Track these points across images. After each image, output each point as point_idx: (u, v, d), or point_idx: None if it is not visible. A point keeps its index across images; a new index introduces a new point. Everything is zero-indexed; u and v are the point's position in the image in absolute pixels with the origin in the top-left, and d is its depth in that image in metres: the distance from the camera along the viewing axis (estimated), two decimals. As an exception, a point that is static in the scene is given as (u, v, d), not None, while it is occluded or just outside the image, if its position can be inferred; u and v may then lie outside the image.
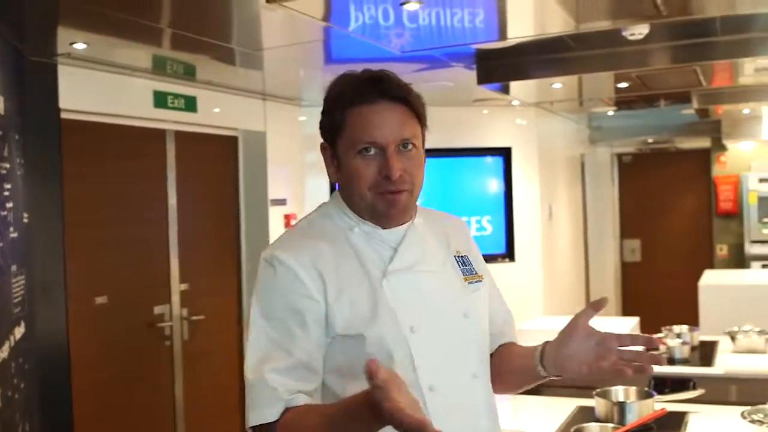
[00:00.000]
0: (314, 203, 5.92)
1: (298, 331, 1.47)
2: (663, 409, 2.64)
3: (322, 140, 1.64)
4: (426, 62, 4.26)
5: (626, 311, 9.35)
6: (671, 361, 3.89)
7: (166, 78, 4.52)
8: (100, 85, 4.18)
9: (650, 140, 9.08)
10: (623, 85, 5.00)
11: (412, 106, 1.57)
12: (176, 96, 4.64)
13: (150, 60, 4.19)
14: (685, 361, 3.91)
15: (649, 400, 2.69)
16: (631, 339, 1.52)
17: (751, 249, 8.31)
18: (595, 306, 1.55)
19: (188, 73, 4.54)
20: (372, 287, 1.52)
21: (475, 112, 6.38)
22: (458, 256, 1.68)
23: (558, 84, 4.70)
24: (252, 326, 1.51)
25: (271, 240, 5.31)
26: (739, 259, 8.56)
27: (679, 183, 9.40)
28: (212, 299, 5.14)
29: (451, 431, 1.35)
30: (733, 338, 4.11)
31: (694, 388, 3.73)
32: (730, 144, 8.57)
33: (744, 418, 2.36)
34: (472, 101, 5.84)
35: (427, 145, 6.08)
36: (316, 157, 5.96)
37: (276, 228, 5.48)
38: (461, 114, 6.32)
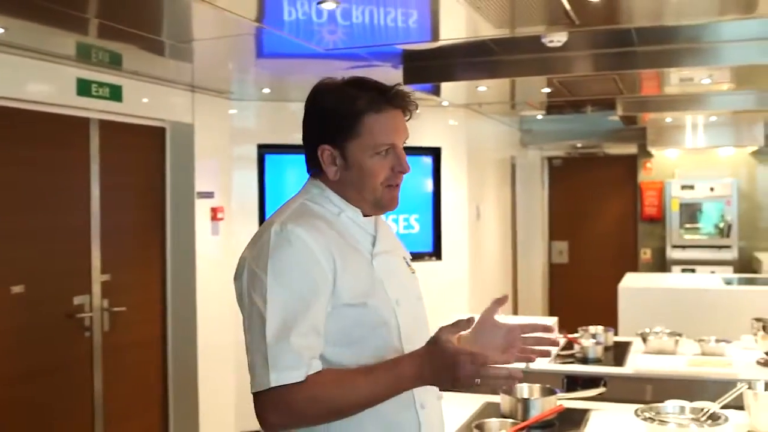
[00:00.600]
0: (242, 196, 5.90)
1: (313, 300, 1.61)
2: (561, 405, 2.72)
3: (320, 145, 1.74)
4: (354, 60, 4.29)
5: (553, 311, 9.55)
6: (585, 361, 3.98)
7: (90, 66, 4.46)
8: (19, 70, 4.10)
9: (579, 145, 9.29)
10: (547, 90, 5.11)
11: (409, 113, 1.81)
12: (101, 84, 4.58)
13: (74, 47, 4.13)
14: (597, 361, 4.00)
15: (552, 397, 2.76)
16: (531, 327, 1.76)
17: (672, 253, 8.56)
18: (498, 302, 1.79)
19: (114, 62, 4.48)
20: (365, 264, 1.72)
21: (405, 111, 6.43)
22: (405, 258, 1.90)
23: (483, 87, 4.78)
24: (269, 294, 1.60)
25: (198, 233, 5.35)
26: (662, 263, 8.81)
27: (606, 187, 9.63)
28: (135, 291, 5.09)
29: (426, 394, 1.71)
30: (644, 339, 4.23)
31: (605, 386, 3.86)
32: (655, 151, 8.82)
33: (637, 416, 2.45)
34: (403, 100, 5.89)
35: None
36: (245, 151, 5.97)
37: (202, 221, 5.45)
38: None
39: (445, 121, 6.63)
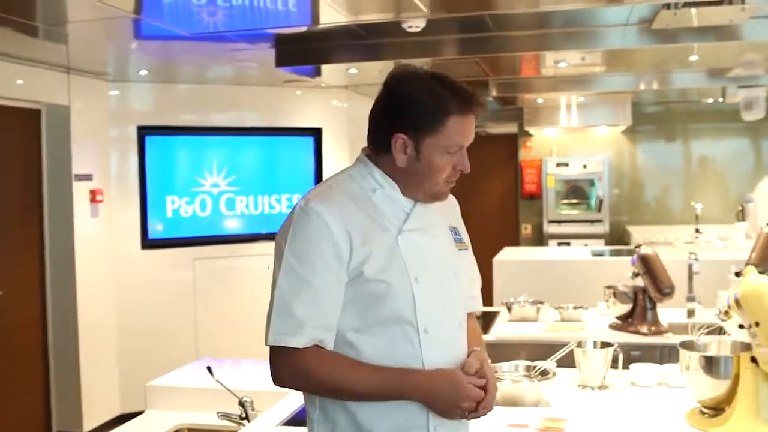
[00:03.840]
0: (122, 178, 5.85)
1: (324, 274, 1.71)
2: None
3: (396, 132, 1.77)
4: (228, 42, 4.36)
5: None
6: (490, 328, 4.22)
7: (-42, 47, 4.40)
8: None
9: (462, 124, 9.57)
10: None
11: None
12: (-31, 66, 4.52)
13: (-61, 28, 4.07)
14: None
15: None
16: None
17: (549, 228, 8.97)
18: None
19: (-15, 45, 4.43)
20: (389, 241, 1.78)
21: (288, 93, 6.55)
22: (451, 227, 1.95)
23: (354, 69, 4.93)
24: (283, 263, 1.73)
25: (76, 216, 5.33)
26: (541, 238, 9.22)
27: (490, 165, 9.96)
28: (13, 274, 5.05)
29: (437, 365, 1.75)
30: (509, 309, 4.49)
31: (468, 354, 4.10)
32: (532, 130, 9.19)
33: (476, 373, 2.67)
34: (282, 82, 5.99)
35: (246, 124, 6.23)
36: (124, 132, 5.92)
37: (81, 203, 5.43)
38: (275, 94, 6.47)
39: (327, 102, 6.75)
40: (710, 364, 2.31)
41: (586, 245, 8.03)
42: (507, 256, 6.68)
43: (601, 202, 8.77)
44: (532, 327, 4.21)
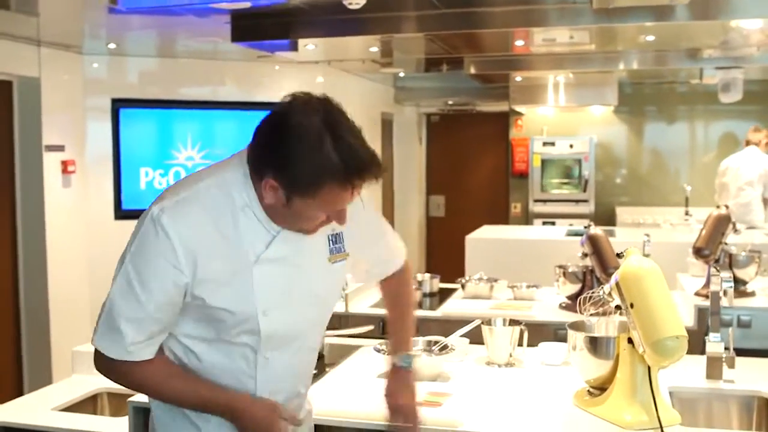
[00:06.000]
0: (97, 150, 5.92)
1: (156, 289, 1.63)
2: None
3: (267, 176, 1.61)
4: (187, 15, 4.38)
5: (429, 261, 9.96)
6: (404, 306, 4.26)
7: None
8: None
9: (450, 102, 9.57)
10: (374, 49, 5.31)
11: None
12: (-64, 38, 4.59)
13: None
14: (416, 306, 4.28)
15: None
16: None
17: (534, 207, 8.97)
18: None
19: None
20: (242, 268, 1.68)
21: (265, 67, 6.58)
22: (332, 235, 1.83)
23: (311, 45, 4.95)
24: (124, 268, 1.66)
25: (47, 186, 5.42)
26: (528, 217, 9.23)
27: (481, 144, 9.97)
28: (-17, 243, 5.16)
29: (273, 392, 1.78)
30: (463, 286, 4.54)
31: (417, 331, 4.15)
32: (520, 109, 9.18)
33: (377, 350, 2.73)
34: (257, 56, 6.03)
35: (221, 98, 6.25)
36: (98, 104, 5.98)
37: (52, 174, 5.52)
38: (251, 68, 6.51)
39: (304, 77, 6.78)
40: (594, 345, 2.35)
41: (571, 225, 8.03)
42: (481, 234, 6.72)
43: (586, 182, 8.76)
44: (480, 304, 4.25)
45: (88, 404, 2.94)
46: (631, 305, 2.21)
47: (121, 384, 1.79)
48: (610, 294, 2.34)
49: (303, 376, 1.88)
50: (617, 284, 2.28)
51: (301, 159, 1.56)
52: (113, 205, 6.05)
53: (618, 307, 2.29)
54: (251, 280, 1.68)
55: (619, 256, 2.35)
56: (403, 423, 2.02)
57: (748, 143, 7.28)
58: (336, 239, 1.85)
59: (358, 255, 1.95)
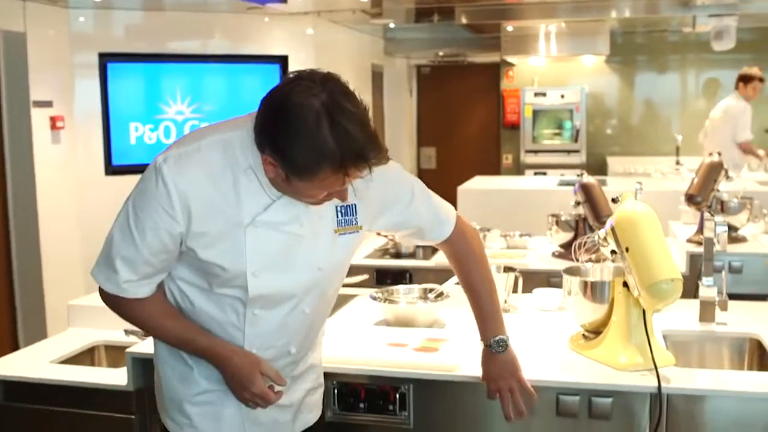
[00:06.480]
0: (86, 105, 5.88)
1: (150, 235, 1.67)
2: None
3: (266, 152, 1.60)
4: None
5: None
6: (398, 256, 4.28)
7: None
8: None
9: (441, 53, 9.50)
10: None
11: None
12: None
13: None
14: (410, 255, 4.29)
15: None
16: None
17: (526, 158, 8.98)
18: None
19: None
20: (235, 229, 1.68)
21: (254, 20, 6.51)
22: (342, 206, 1.79)
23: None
24: (126, 208, 1.70)
25: (36, 142, 5.37)
26: (519, 168, 9.24)
27: (472, 95, 9.93)
28: (-28, 201, 5.13)
29: (261, 348, 1.80)
30: (456, 236, 4.54)
31: (411, 280, 4.17)
32: (512, 59, 9.12)
33: (373, 299, 2.75)
34: (246, 8, 5.96)
35: (210, 51, 6.20)
36: (86, 59, 5.91)
37: (40, 129, 5.47)
38: (241, 20, 6.43)
39: (294, 29, 6.70)
40: (589, 289, 2.37)
41: (562, 175, 8.04)
42: (473, 185, 6.72)
43: (577, 132, 8.75)
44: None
45: (86, 356, 2.95)
46: (627, 249, 2.22)
47: (118, 314, 1.85)
48: (605, 239, 2.35)
49: (295, 337, 1.86)
50: (612, 229, 2.29)
51: (296, 142, 1.53)
52: (103, 160, 6.01)
53: (613, 252, 2.30)
54: (244, 240, 1.68)
55: (614, 201, 2.36)
56: (513, 404, 2.04)
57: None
58: (346, 211, 1.81)
59: (389, 223, 1.94)
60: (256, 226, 1.69)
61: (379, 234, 3.12)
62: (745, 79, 7.05)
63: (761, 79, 7.09)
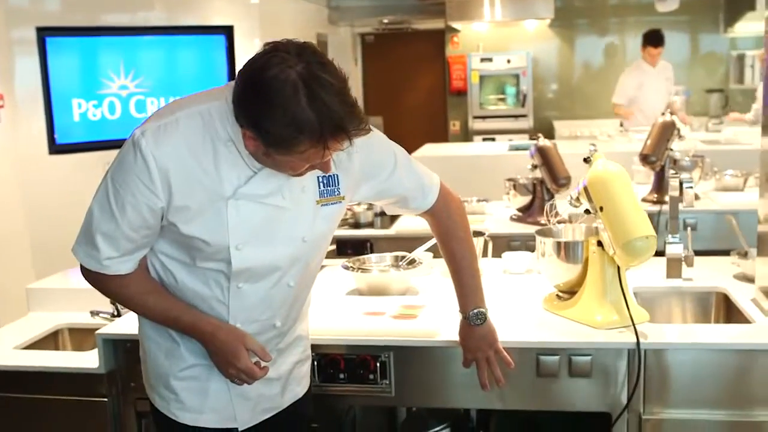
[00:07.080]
0: (26, 82, 5.66)
1: (130, 210, 1.63)
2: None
3: (245, 126, 1.55)
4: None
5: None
6: (357, 226, 4.25)
7: None
8: None
9: (385, 21, 9.43)
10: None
11: None
12: None
13: None
14: (369, 225, 4.28)
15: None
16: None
17: (474, 124, 9.01)
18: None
19: None
20: (217, 202, 1.65)
21: (198, -10, 6.37)
22: (323, 177, 1.76)
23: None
24: (105, 183, 1.67)
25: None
26: (467, 134, 9.26)
27: (417, 62, 9.90)
28: None
29: (245, 322, 1.78)
30: (414, 204, 4.53)
31: (371, 249, 4.15)
32: (458, 25, 9.10)
33: (345, 268, 2.73)
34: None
35: (152, 23, 6.02)
36: (22, 34, 5.69)
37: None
38: (183, -9, 6.29)
39: (238, 1, 6.57)
40: (563, 249, 2.39)
41: (510, 140, 8.10)
42: (423, 152, 6.71)
43: (524, 97, 8.80)
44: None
45: (49, 341, 2.88)
46: (601, 208, 2.24)
47: (100, 292, 1.83)
48: (578, 199, 2.37)
49: (279, 311, 1.84)
50: (585, 188, 2.30)
51: (274, 116, 1.49)
52: (47, 139, 5.82)
53: (587, 212, 2.32)
54: (226, 213, 1.66)
55: (585, 161, 2.37)
56: (489, 373, 2.08)
57: None
58: (329, 182, 1.78)
59: (372, 192, 1.92)
60: (237, 198, 1.65)
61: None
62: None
63: (654, 45, 7.21)
